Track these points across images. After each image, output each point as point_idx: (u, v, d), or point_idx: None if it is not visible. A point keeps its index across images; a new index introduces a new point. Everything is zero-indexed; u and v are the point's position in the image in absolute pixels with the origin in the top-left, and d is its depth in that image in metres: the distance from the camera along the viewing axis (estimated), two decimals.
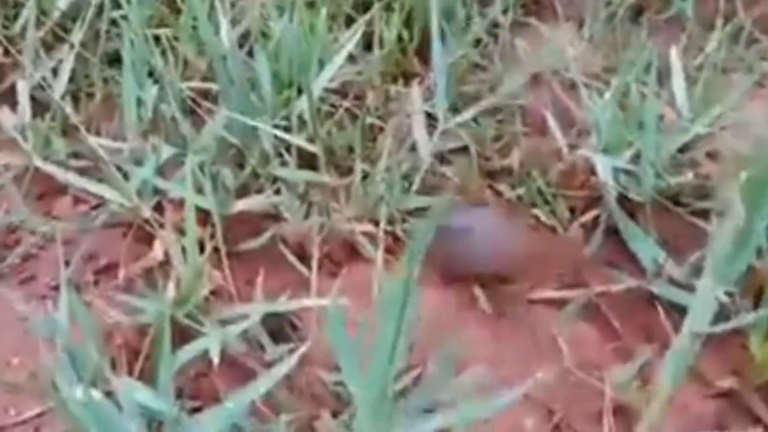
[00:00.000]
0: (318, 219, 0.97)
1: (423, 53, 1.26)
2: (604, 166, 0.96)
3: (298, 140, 0.98)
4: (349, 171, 1.06)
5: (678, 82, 1.09)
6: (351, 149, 1.08)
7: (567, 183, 1.04)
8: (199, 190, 0.92)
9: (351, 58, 1.18)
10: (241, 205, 0.95)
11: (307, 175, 0.99)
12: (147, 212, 0.93)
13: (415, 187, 1.04)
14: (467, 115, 1.08)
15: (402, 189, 1.03)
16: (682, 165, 1.04)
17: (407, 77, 1.23)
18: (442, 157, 1.10)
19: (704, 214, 0.99)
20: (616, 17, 1.30)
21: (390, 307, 0.70)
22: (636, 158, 1.02)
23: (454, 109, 1.14)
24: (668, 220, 0.99)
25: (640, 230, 0.95)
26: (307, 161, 1.04)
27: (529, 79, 1.22)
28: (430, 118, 1.12)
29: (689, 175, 1.00)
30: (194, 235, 0.84)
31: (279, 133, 0.99)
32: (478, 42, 1.26)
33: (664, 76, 1.16)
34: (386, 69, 1.22)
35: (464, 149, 1.11)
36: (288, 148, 1.03)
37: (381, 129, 1.12)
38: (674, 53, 1.11)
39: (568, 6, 1.35)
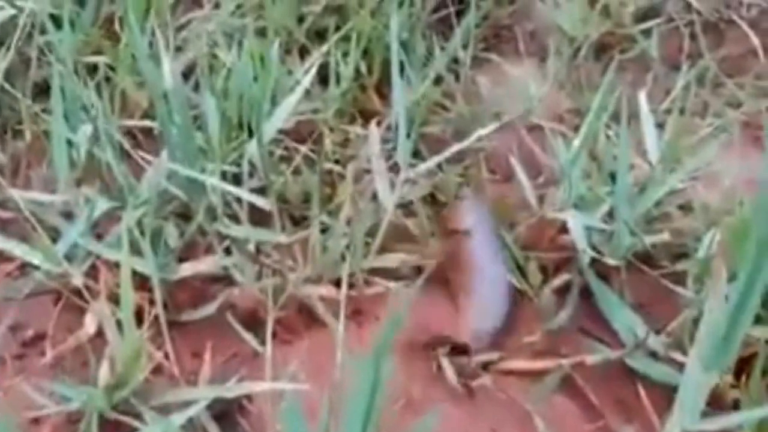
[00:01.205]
0: (272, 281, 0.89)
1: (382, 89, 1.20)
2: (576, 228, 0.90)
3: (248, 195, 0.89)
4: (306, 222, 0.98)
5: (649, 131, 1.03)
6: (307, 197, 1.00)
7: (536, 239, 0.98)
8: (138, 251, 0.83)
9: (306, 93, 1.10)
10: (185, 269, 0.86)
11: (259, 233, 0.90)
12: (78, 279, 0.83)
13: (377, 241, 0.97)
14: (431, 163, 1.01)
15: (363, 245, 0.95)
16: (654, 219, 1.00)
17: (366, 116, 1.16)
18: (404, 206, 1.03)
19: (680, 275, 0.94)
20: (579, 55, 1.24)
21: (356, 398, 0.63)
22: (609, 215, 0.96)
23: (417, 153, 1.08)
24: (642, 283, 0.94)
25: (615, 298, 0.89)
26: (260, 211, 0.96)
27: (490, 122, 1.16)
28: (392, 161, 1.05)
29: (665, 235, 0.94)
30: (130, 308, 0.74)
31: (227, 186, 0.89)
32: (438, 78, 1.19)
33: (631, 120, 1.12)
34: (344, 107, 1.15)
35: (428, 196, 1.05)
36: (239, 198, 0.95)
37: (340, 176, 1.05)
38: (643, 99, 1.06)
39: (529, 41, 1.29)
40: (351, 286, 0.92)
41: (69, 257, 0.86)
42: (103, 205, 0.89)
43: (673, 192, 1.02)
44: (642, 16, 1.27)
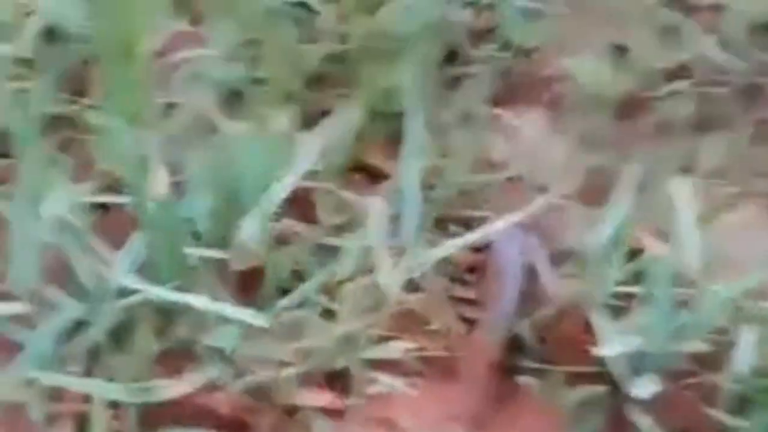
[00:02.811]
0: (260, 379, 0.79)
1: (384, 142, 1.09)
2: (612, 353, 0.80)
3: (239, 312, 0.77)
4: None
5: (688, 235, 0.93)
6: (301, 275, 0.90)
7: (557, 338, 0.88)
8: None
9: None
10: (164, 390, 0.74)
11: (252, 349, 0.79)
12: (37, 413, 0.71)
13: (378, 330, 0.87)
14: (440, 252, 0.91)
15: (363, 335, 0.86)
16: None
17: (368, 174, 1.06)
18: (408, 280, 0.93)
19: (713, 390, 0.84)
20: (600, 115, 1.14)
21: None
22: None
23: (423, 221, 0.98)
24: (675, 399, 0.84)
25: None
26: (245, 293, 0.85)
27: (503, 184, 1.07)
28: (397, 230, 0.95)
29: (699, 344, 0.85)
30: None
31: (214, 306, 0.78)
32: (448, 136, 1.09)
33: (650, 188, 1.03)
34: (341, 163, 1.04)
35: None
36: (226, 283, 0.84)
37: (340, 250, 0.94)
38: (682, 191, 0.96)
39: (547, 97, 1.19)
40: (348, 382, 0.83)
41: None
42: (69, 313, 0.76)
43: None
44: (669, 76, 1.17)
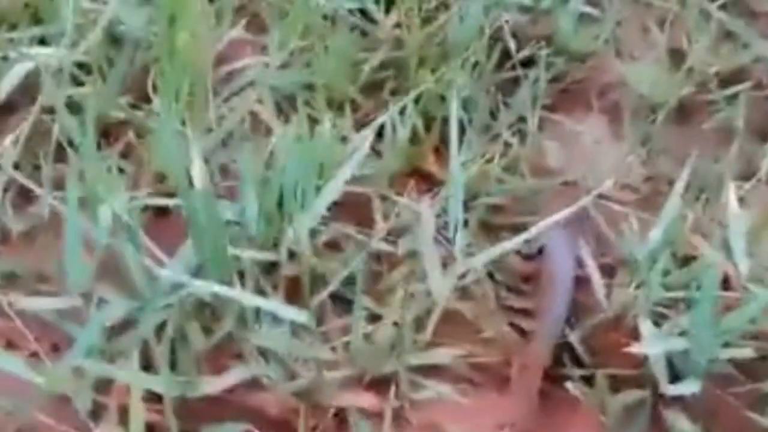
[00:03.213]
0: (306, 381, 0.81)
1: (440, 147, 1.10)
2: (655, 356, 0.80)
3: (285, 310, 0.79)
4: (347, 304, 0.89)
5: (738, 240, 0.92)
6: (351, 279, 0.91)
7: (605, 344, 0.88)
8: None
9: None
10: (209, 385, 0.77)
11: (298, 347, 0.81)
12: (85, 402, 0.74)
13: (427, 335, 0.88)
14: (487, 256, 0.91)
15: (411, 341, 0.87)
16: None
17: (421, 179, 1.06)
18: (459, 288, 0.94)
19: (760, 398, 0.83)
20: (656, 120, 1.13)
21: None
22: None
23: (471, 224, 0.98)
24: (720, 404, 0.83)
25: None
26: (295, 296, 0.87)
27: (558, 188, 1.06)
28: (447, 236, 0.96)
29: (747, 350, 0.83)
30: None
31: (261, 302, 0.80)
32: (501, 140, 1.09)
33: (711, 197, 1.01)
34: (397, 170, 1.05)
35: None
36: (276, 285, 0.86)
37: (390, 254, 0.95)
38: (732, 197, 0.95)
39: (602, 102, 1.18)
40: (396, 387, 0.84)
41: (78, 372, 0.77)
42: (119, 309, 0.79)
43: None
44: (727, 80, 1.16)
